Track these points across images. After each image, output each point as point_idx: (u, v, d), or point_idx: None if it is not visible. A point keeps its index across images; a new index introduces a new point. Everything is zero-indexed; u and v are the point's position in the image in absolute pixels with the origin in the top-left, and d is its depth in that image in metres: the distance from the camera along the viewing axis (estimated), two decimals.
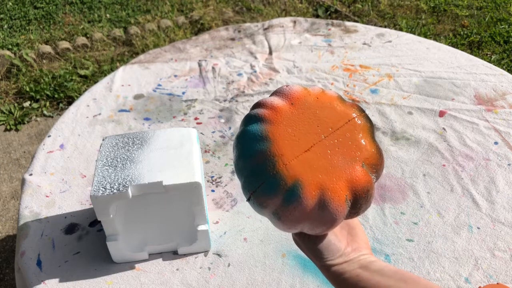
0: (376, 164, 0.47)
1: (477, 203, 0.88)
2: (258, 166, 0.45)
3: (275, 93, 0.50)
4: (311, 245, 0.50)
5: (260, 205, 0.45)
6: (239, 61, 1.36)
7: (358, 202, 0.46)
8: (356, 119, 0.48)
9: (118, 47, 2.66)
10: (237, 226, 0.86)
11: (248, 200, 0.46)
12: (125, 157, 0.76)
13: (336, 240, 0.50)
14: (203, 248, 0.81)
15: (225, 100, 1.20)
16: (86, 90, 1.79)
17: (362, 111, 0.49)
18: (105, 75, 2.25)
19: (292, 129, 0.46)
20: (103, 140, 0.81)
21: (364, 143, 0.47)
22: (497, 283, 0.73)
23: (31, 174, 0.98)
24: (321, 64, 1.32)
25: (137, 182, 0.71)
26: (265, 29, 1.53)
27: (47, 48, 2.57)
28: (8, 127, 2.13)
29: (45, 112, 2.20)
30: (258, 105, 0.49)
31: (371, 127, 0.48)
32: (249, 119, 0.48)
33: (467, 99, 1.14)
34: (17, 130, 2.12)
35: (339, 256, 0.50)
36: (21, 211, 0.90)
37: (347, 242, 0.51)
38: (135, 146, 0.79)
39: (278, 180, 0.44)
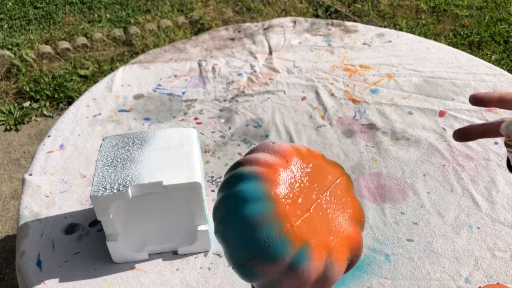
0: (363, 221, 0.47)
1: (477, 203, 0.88)
2: (261, 229, 0.40)
3: (262, 150, 0.46)
4: None
5: (258, 272, 0.41)
6: (239, 61, 1.36)
7: (353, 261, 0.45)
8: (343, 177, 0.47)
9: (118, 47, 2.66)
10: None
11: (241, 267, 0.41)
12: (125, 157, 0.76)
13: None
14: (203, 248, 0.81)
15: (225, 100, 1.20)
16: (86, 90, 1.79)
17: (343, 168, 0.48)
18: (105, 75, 2.25)
19: (291, 188, 0.43)
20: (103, 140, 0.81)
21: (352, 200, 0.46)
22: (497, 283, 0.73)
23: (31, 174, 0.98)
24: (321, 64, 1.32)
25: (137, 182, 0.71)
26: (265, 29, 1.53)
27: (47, 48, 2.57)
28: (8, 127, 2.13)
29: (45, 112, 2.20)
30: (247, 162, 0.44)
31: (352, 183, 0.48)
32: (240, 178, 0.43)
33: (467, 99, 1.14)
34: (17, 130, 2.12)
35: None
36: (21, 211, 0.90)
37: None
38: (135, 146, 0.79)
39: (285, 244, 0.40)
